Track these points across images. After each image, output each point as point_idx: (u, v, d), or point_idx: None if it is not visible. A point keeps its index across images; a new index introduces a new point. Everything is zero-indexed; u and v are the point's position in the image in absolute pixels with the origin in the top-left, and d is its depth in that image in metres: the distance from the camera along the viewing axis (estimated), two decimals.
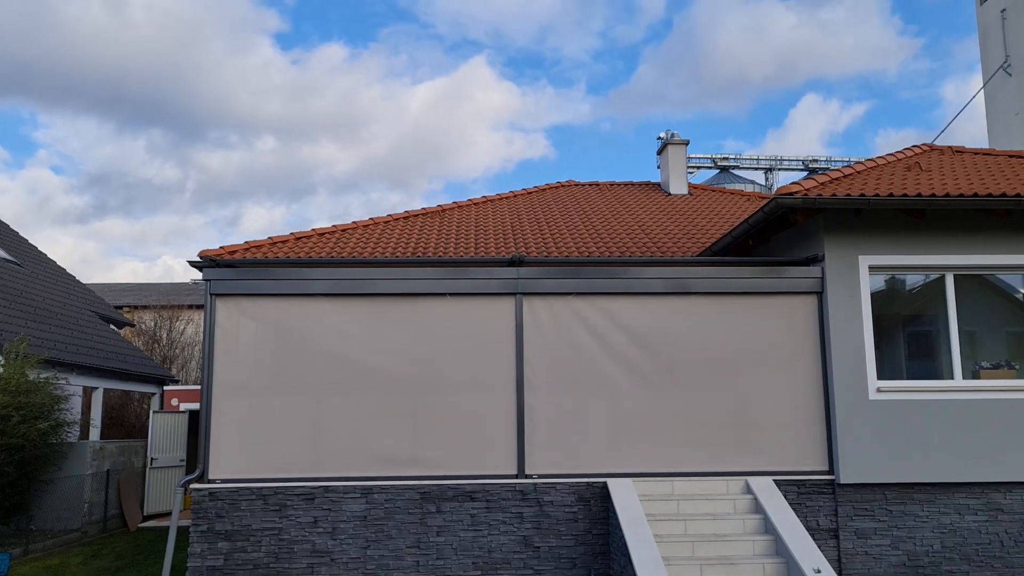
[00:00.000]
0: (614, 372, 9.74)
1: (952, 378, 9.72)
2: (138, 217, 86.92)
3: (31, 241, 22.05)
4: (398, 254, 11.98)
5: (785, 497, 9.32)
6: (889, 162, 11.06)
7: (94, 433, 17.71)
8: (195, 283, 28.68)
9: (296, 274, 9.85)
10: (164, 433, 17.04)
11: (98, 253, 79.11)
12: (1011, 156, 11.48)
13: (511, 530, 9.35)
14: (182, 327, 27.45)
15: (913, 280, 10.35)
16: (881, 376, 9.65)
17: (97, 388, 17.80)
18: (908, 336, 10.32)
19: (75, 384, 16.45)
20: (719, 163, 36.01)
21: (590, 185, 18.17)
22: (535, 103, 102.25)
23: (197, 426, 9.54)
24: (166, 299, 30.11)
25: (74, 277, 22.16)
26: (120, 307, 27.25)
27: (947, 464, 9.45)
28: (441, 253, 12.08)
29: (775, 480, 9.48)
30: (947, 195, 9.18)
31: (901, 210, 9.57)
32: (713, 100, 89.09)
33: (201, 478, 9.34)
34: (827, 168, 35.52)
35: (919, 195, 9.18)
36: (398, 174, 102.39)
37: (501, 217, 14.96)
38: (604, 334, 9.79)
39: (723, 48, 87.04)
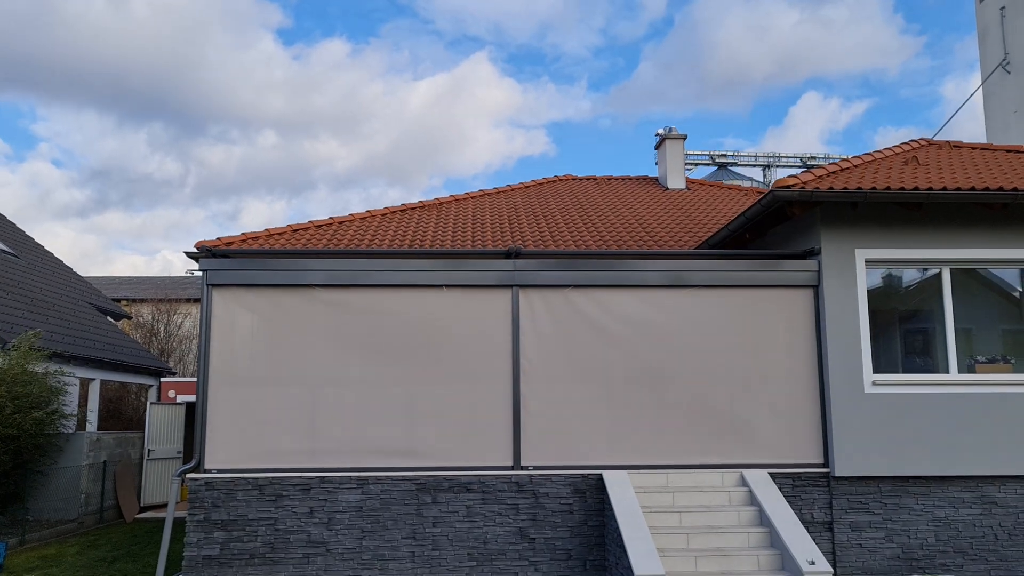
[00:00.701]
0: (610, 364, 9.74)
1: (948, 372, 9.74)
2: (138, 211, 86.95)
3: (31, 235, 22.05)
4: (395, 246, 11.98)
5: (780, 490, 9.34)
6: (887, 156, 11.06)
7: (91, 424, 17.71)
8: (190, 272, 28.65)
9: (292, 264, 9.85)
10: (161, 425, 17.05)
11: (98, 247, 79.15)
12: (1008, 151, 11.48)
13: (507, 521, 9.37)
14: (180, 320, 27.42)
15: (910, 276, 10.36)
16: (877, 370, 9.67)
17: (94, 379, 17.80)
18: (904, 331, 10.33)
19: (72, 375, 16.44)
20: (717, 160, 35.97)
21: (587, 179, 18.17)
22: (536, 100, 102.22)
23: (194, 418, 9.53)
24: (164, 293, 30.09)
25: (71, 269, 22.16)
26: (118, 300, 27.21)
27: (942, 457, 9.47)
28: (438, 245, 12.08)
29: (770, 473, 9.51)
30: (944, 189, 9.18)
31: (898, 204, 9.58)
32: (713, 98, 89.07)
33: (197, 468, 9.35)
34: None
35: (916, 188, 9.19)
36: (398, 170, 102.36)
37: (498, 210, 14.96)
38: (600, 326, 9.80)
39: (724, 46, 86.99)
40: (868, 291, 9.80)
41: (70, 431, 15.32)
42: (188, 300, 28.41)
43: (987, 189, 9.19)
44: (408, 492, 9.39)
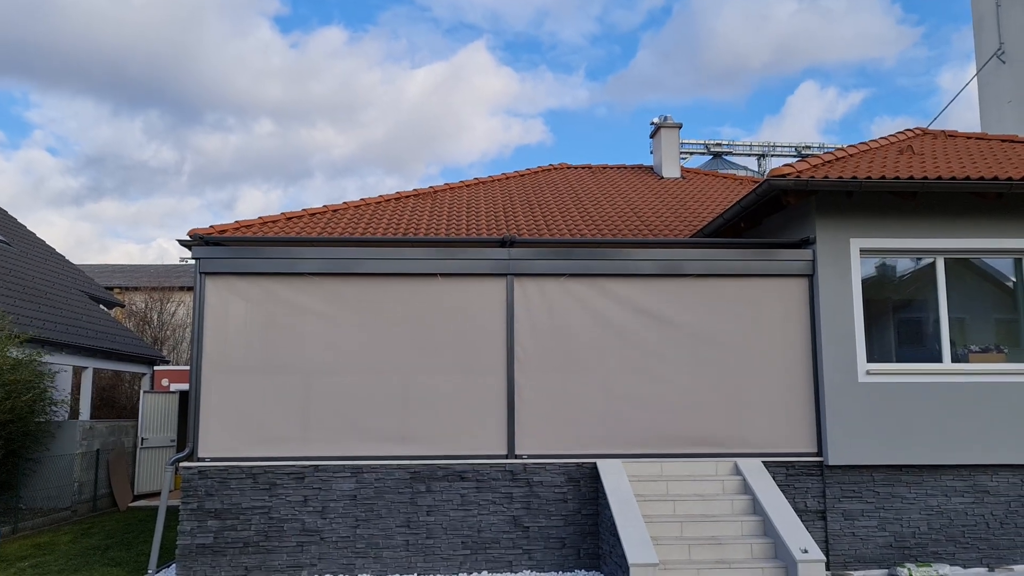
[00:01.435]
0: (604, 353, 9.74)
1: (941, 361, 9.77)
2: (134, 199, 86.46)
3: (25, 222, 21.94)
4: (389, 234, 11.94)
5: (774, 479, 9.37)
6: (882, 145, 11.05)
7: (84, 412, 17.65)
8: (183, 260, 28.54)
9: (286, 252, 9.81)
10: (155, 413, 17.01)
11: (93, 235, 78.73)
12: (1003, 140, 11.48)
13: (501, 510, 9.38)
14: (173, 309, 27.34)
15: (904, 266, 10.36)
16: (871, 359, 9.69)
17: (87, 368, 17.74)
18: (898, 321, 10.35)
19: (64, 363, 16.39)
20: (712, 149, 35.91)
21: (582, 168, 18.13)
22: (533, 88, 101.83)
23: (188, 407, 9.51)
24: (157, 280, 30.00)
25: (64, 257, 22.03)
26: (111, 288, 27.12)
27: (935, 446, 9.51)
28: (432, 234, 12.04)
29: (764, 462, 9.53)
30: (939, 178, 9.18)
31: (893, 193, 9.57)
32: (711, 87, 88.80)
33: (191, 457, 9.33)
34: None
35: (911, 178, 9.18)
36: (395, 159, 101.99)
37: (493, 199, 14.91)
38: (594, 315, 9.79)
39: (722, 35, 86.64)
40: (863, 280, 9.81)
41: (62, 419, 15.27)
42: (182, 288, 28.34)
43: (981, 179, 9.19)
44: (402, 480, 9.39)
